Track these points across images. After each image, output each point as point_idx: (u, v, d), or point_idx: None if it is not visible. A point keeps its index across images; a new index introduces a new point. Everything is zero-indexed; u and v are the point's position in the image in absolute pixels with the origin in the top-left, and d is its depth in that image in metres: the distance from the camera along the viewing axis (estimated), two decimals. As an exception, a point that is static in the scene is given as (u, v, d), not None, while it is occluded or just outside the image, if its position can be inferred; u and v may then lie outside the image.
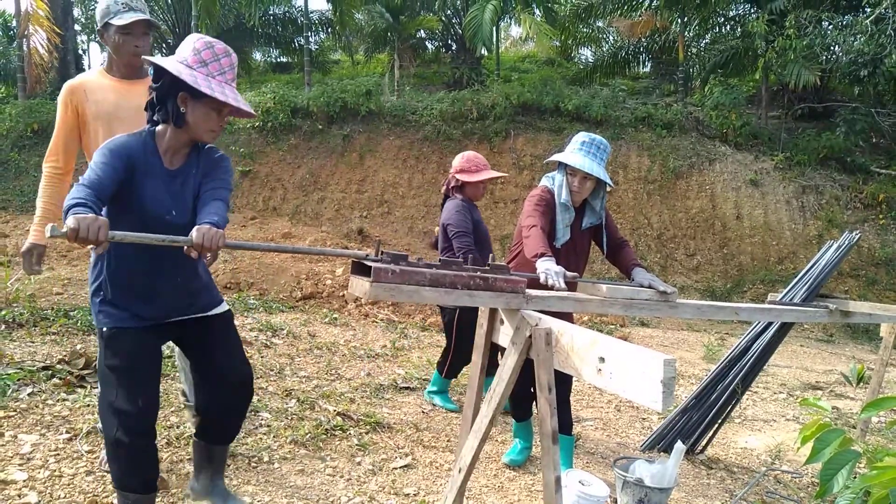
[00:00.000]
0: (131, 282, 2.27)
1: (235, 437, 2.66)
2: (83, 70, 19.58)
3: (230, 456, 3.17)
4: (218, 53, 2.20)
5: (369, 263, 2.01)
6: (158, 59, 2.17)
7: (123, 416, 2.18)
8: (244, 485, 2.95)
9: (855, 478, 1.46)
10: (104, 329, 2.26)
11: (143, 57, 2.54)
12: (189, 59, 2.17)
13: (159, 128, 2.27)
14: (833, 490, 1.46)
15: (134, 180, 2.17)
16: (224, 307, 2.54)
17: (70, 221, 1.73)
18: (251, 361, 4.70)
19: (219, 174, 2.29)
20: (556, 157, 3.18)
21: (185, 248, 1.96)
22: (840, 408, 5.47)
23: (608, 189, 3.30)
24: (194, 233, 1.91)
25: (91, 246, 1.81)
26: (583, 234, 3.31)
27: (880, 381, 4.43)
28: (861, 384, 6.29)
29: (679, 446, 3.16)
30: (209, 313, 2.47)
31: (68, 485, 2.74)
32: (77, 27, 20.12)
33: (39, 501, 2.58)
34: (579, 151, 3.13)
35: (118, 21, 2.72)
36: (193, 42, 2.20)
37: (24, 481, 2.70)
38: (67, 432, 3.13)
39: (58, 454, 2.95)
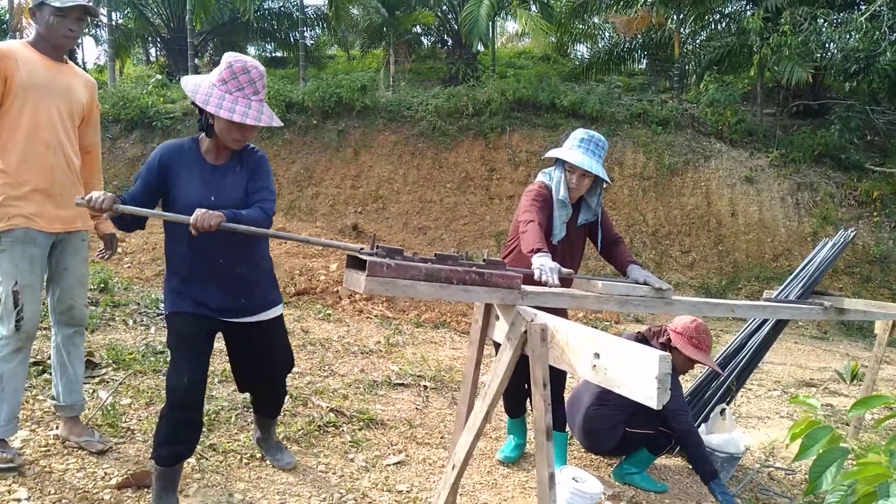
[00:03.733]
0: (186, 271, 2.56)
1: (279, 414, 3.13)
2: (77, 63, 19.49)
3: (222, 452, 3.17)
4: (236, 72, 2.43)
5: (364, 257, 1.99)
6: (184, 80, 2.49)
7: (170, 390, 2.47)
8: (236, 482, 2.93)
9: (842, 473, 1.46)
10: (166, 312, 2.63)
11: (182, 79, 2.58)
12: (215, 78, 2.45)
13: (203, 134, 2.58)
14: (822, 487, 1.45)
15: (171, 177, 2.52)
16: (276, 312, 2.79)
17: (88, 195, 2.18)
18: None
19: (260, 177, 2.58)
20: (555, 154, 3.16)
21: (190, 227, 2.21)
22: (834, 405, 5.48)
23: (604, 186, 3.29)
24: (195, 213, 2.18)
25: (106, 214, 2.25)
26: (578, 231, 3.30)
27: (874, 379, 4.43)
28: (855, 381, 6.31)
29: (721, 408, 3.62)
30: (257, 319, 2.71)
31: (58, 480, 2.71)
32: (70, 20, 19.96)
33: (30, 497, 2.56)
34: (578, 148, 3.11)
35: (55, 2, 2.67)
36: (222, 62, 2.47)
37: (14, 477, 2.68)
38: (58, 428, 3.10)
39: (48, 450, 2.93)
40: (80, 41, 2.91)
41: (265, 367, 2.84)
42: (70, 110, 2.84)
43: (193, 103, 2.47)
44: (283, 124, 2.78)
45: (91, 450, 2.96)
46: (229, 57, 2.47)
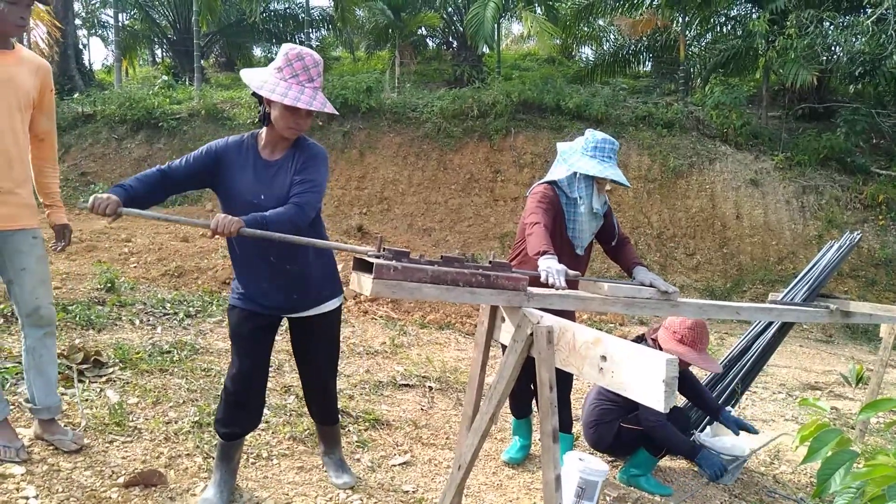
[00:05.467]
0: (241, 269, 2.67)
1: (334, 422, 3.05)
2: (83, 64, 19.64)
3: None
4: (291, 59, 2.45)
5: (371, 260, 2.00)
6: (244, 71, 2.53)
7: (231, 373, 2.70)
8: (242, 481, 2.94)
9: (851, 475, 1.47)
10: (228, 305, 2.76)
11: (242, 71, 2.60)
12: (272, 67, 2.48)
13: (264, 128, 2.58)
14: (830, 490, 1.46)
15: (225, 171, 2.55)
16: (331, 305, 2.78)
17: (90, 199, 2.18)
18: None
19: (306, 168, 2.53)
20: (585, 170, 3.12)
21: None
22: (839, 408, 5.47)
23: (608, 188, 3.31)
24: (214, 219, 2.18)
25: (108, 217, 2.19)
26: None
27: (879, 382, 4.42)
28: (860, 385, 6.29)
29: (727, 411, 3.60)
30: (312, 312, 2.74)
31: (66, 479, 2.73)
32: (77, 21, 20.10)
33: (38, 495, 2.58)
34: (597, 158, 3.12)
35: None
36: (280, 52, 2.49)
37: (22, 475, 2.69)
38: (66, 426, 3.11)
39: (56, 449, 2.94)
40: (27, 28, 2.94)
41: (312, 363, 2.88)
42: (16, 103, 2.70)
43: (253, 94, 2.49)
44: (337, 112, 2.70)
45: (64, 448, 2.93)
46: (286, 47, 2.49)
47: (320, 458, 3.18)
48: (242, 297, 2.68)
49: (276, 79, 2.44)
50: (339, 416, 3.17)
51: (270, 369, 4.52)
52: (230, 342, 2.75)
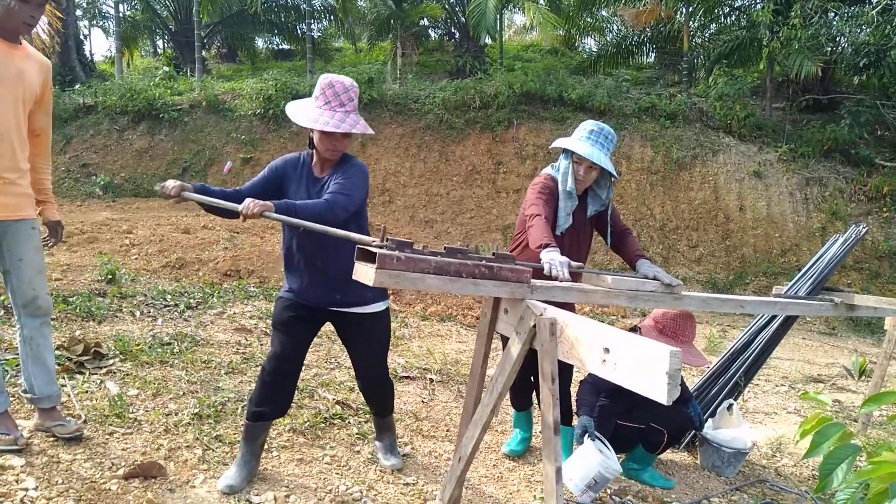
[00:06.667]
0: (289, 264, 2.87)
1: (386, 415, 3.22)
2: (84, 55, 19.58)
3: (228, 444, 3.17)
4: (323, 88, 2.73)
5: (374, 250, 1.98)
6: (289, 106, 2.83)
7: (269, 356, 2.88)
8: (243, 473, 2.93)
9: (855, 472, 1.44)
10: (277, 297, 2.98)
11: (287, 107, 2.85)
12: (313, 97, 2.77)
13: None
14: (833, 484, 1.44)
15: (285, 185, 2.87)
16: (377, 307, 2.93)
17: (161, 183, 2.57)
18: (250, 350, 4.71)
19: (341, 173, 2.75)
20: (562, 144, 3.13)
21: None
22: (842, 401, 5.45)
23: (613, 180, 3.26)
24: (244, 202, 2.42)
25: (172, 199, 2.54)
26: (586, 223, 3.27)
27: (883, 375, 4.40)
28: (863, 378, 6.27)
29: (728, 403, 3.68)
30: (356, 310, 2.88)
31: (66, 470, 2.72)
32: (79, 12, 20.04)
33: (37, 487, 2.57)
34: (587, 140, 3.08)
35: None
36: (317, 83, 2.78)
37: (22, 467, 2.69)
38: (66, 417, 3.10)
39: (56, 440, 2.94)
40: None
41: (360, 359, 3.04)
42: (22, 96, 2.77)
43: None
44: (372, 132, 2.94)
45: (63, 434, 2.93)
46: (322, 77, 2.77)
47: (373, 441, 3.35)
48: (289, 291, 2.90)
49: (314, 107, 2.72)
50: (392, 409, 3.29)
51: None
52: (272, 328, 2.95)
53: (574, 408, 3.52)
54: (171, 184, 2.54)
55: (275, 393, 2.86)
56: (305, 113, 2.71)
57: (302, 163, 2.90)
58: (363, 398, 3.26)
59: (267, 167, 2.91)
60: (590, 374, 3.28)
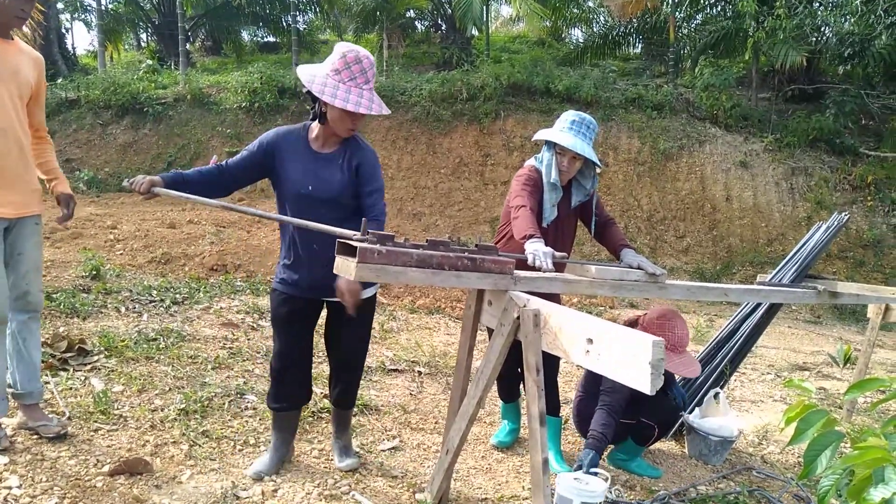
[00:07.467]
0: (286, 254, 2.82)
1: (349, 406, 3.13)
2: (66, 49, 19.35)
3: (216, 439, 3.16)
4: (349, 62, 2.56)
5: (355, 243, 1.97)
6: (299, 69, 2.64)
7: (274, 354, 2.91)
8: (230, 467, 2.92)
9: (839, 458, 1.45)
10: (271, 288, 2.95)
11: (297, 69, 2.68)
12: (329, 68, 2.58)
13: (315, 122, 2.71)
14: (817, 471, 1.45)
15: (278, 161, 2.72)
16: (369, 292, 2.84)
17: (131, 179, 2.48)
18: (236, 345, 4.69)
19: (374, 178, 2.70)
20: (545, 136, 3.12)
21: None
22: (827, 388, 5.50)
23: (598, 171, 3.26)
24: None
25: (143, 196, 2.46)
26: (570, 213, 3.28)
27: (867, 362, 4.45)
28: (848, 365, 6.34)
29: (715, 392, 3.73)
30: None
31: (50, 468, 2.70)
32: (60, 5, 19.78)
33: (21, 485, 2.55)
34: (569, 131, 3.08)
35: None
36: (335, 52, 2.60)
37: (5, 465, 2.66)
38: (50, 415, 3.08)
39: (39, 437, 2.91)
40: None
41: (350, 342, 2.97)
42: (19, 91, 2.76)
43: (307, 92, 2.60)
44: (390, 112, 2.80)
45: (47, 434, 2.91)
46: (342, 47, 2.59)
47: (331, 440, 3.23)
48: (283, 282, 2.84)
49: (335, 81, 2.55)
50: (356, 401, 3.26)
51: (258, 355, 4.52)
52: (271, 324, 2.95)
53: (582, 426, 3.53)
54: (141, 179, 2.45)
55: (289, 387, 2.90)
56: (329, 88, 2.53)
57: (297, 136, 2.75)
58: (333, 390, 3.09)
59: (256, 141, 2.77)
60: (606, 397, 3.24)
